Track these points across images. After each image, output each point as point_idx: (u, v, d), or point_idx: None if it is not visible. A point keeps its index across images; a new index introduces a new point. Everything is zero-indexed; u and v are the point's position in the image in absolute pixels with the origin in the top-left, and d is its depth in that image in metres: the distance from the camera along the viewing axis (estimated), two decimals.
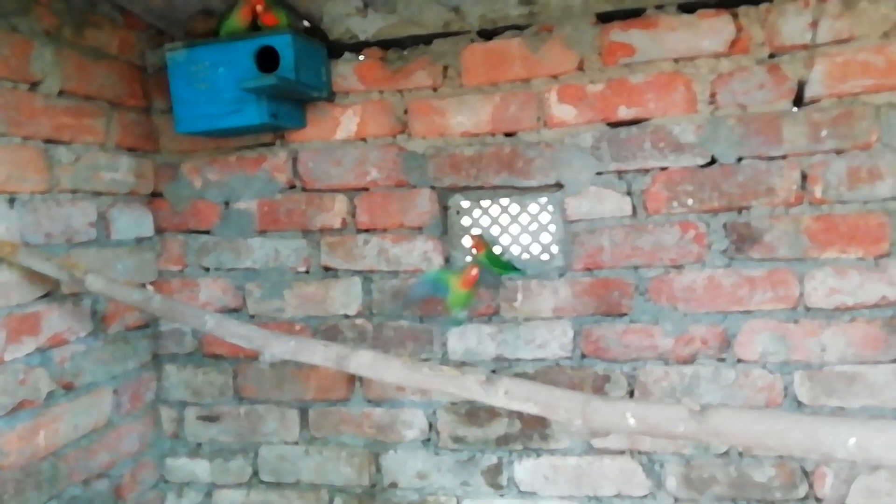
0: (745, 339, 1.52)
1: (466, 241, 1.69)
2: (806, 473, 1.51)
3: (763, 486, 1.52)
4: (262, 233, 1.75)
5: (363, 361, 1.22)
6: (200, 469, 1.80)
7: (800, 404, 1.50)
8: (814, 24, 1.44)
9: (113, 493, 1.60)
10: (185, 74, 1.55)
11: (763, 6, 1.47)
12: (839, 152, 1.45)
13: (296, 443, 1.76)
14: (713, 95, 1.51)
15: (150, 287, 1.35)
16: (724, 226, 1.52)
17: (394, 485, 1.72)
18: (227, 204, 1.76)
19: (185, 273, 1.79)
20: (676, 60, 1.52)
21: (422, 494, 1.70)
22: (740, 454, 1.54)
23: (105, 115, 1.58)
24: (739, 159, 1.50)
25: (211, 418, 1.80)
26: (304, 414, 1.76)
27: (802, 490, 1.51)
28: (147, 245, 1.75)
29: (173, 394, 1.81)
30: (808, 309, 1.49)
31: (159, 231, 1.79)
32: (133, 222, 1.69)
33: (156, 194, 1.79)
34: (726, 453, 1.54)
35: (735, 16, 1.48)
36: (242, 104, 1.52)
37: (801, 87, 1.47)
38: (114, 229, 1.61)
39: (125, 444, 1.64)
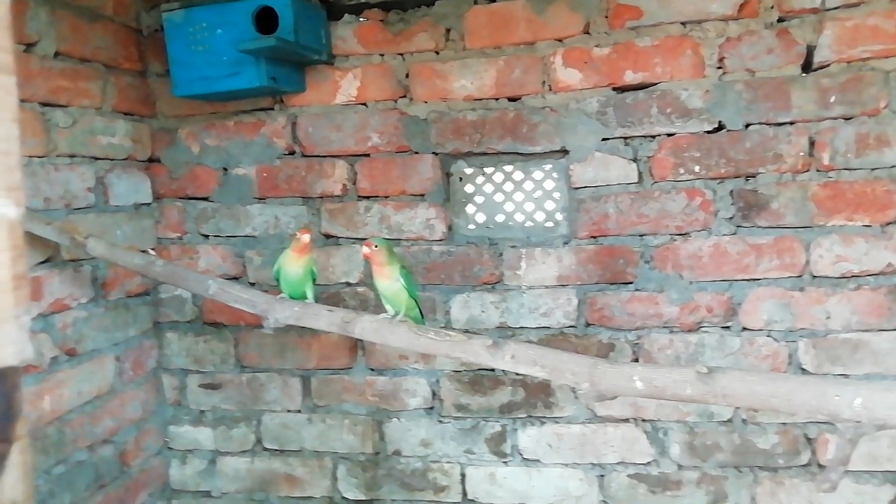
0: (750, 306, 1.54)
1: (470, 209, 1.70)
2: (809, 440, 1.55)
3: (766, 452, 1.56)
4: (262, 199, 1.76)
5: (368, 326, 1.24)
6: (204, 436, 1.84)
7: (804, 372, 1.53)
8: None
9: (118, 458, 1.63)
10: (183, 36, 1.54)
11: None
12: (847, 118, 1.46)
13: (298, 411, 1.79)
14: (721, 60, 1.51)
15: (152, 252, 1.35)
16: (731, 193, 1.53)
17: (397, 452, 1.75)
18: (225, 170, 1.77)
19: (185, 240, 1.80)
20: (684, 24, 1.52)
21: (425, 462, 1.74)
22: (744, 421, 1.57)
23: (101, 77, 1.58)
24: (747, 125, 1.51)
25: (213, 386, 1.82)
26: (306, 382, 1.79)
27: (805, 456, 1.55)
28: (145, 211, 1.75)
29: (175, 361, 1.83)
30: (813, 276, 1.51)
31: (157, 197, 1.80)
32: (131, 188, 1.69)
33: (153, 160, 1.79)
34: (730, 420, 1.58)
35: None
36: (241, 67, 1.52)
37: (809, 51, 1.47)
38: (112, 195, 1.62)
39: (128, 411, 1.67)
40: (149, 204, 1.77)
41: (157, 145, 1.78)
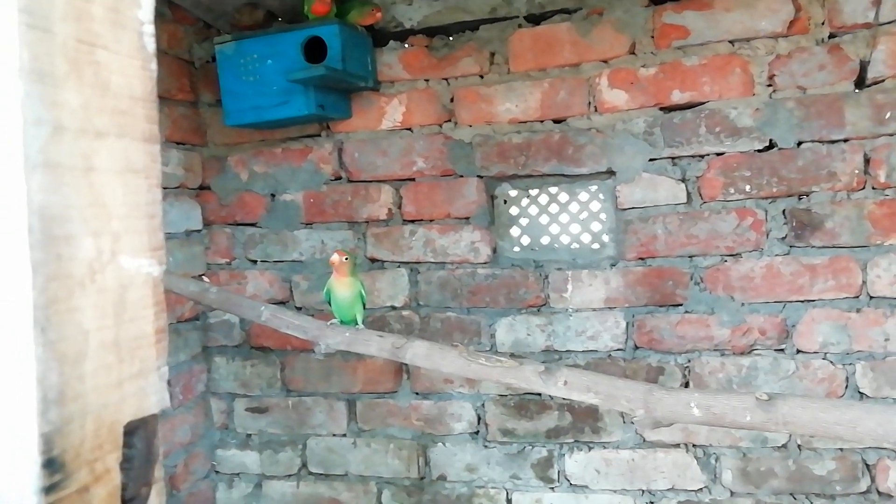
0: (805, 328, 1.52)
1: (515, 232, 1.72)
2: (868, 466, 1.51)
3: (823, 479, 1.53)
4: (309, 225, 1.79)
5: (419, 352, 1.25)
6: (250, 460, 1.87)
7: (862, 396, 1.50)
8: (877, 2, 1.44)
9: (168, 482, 1.67)
10: (234, 67, 1.60)
11: None
12: None
13: (344, 435, 1.81)
14: (771, 77, 1.51)
15: (206, 279, 1.40)
16: (784, 212, 1.52)
17: (442, 477, 1.76)
18: (273, 196, 1.81)
19: (233, 265, 1.85)
20: (732, 42, 1.52)
21: (471, 487, 1.74)
22: (799, 447, 1.54)
23: None
24: (799, 143, 1.50)
25: (259, 410, 1.86)
26: (351, 406, 1.81)
27: (864, 483, 1.51)
28: (196, 238, 1.81)
29: (223, 385, 1.87)
30: (871, 297, 1.49)
31: (207, 224, 1.85)
32: (183, 215, 1.75)
33: (203, 187, 1.84)
34: (784, 446, 1.55)
35: None
36: (290, 95, 1.57)
37: (863, 67, 1.46)
38: (165, 222, 1.67)
39: (178, 435, 1.71)
40: (199, 230, 1.82)
41: (207, 173, 1.84)
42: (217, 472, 1.89)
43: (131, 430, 0.28)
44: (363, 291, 1.33)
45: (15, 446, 0.23)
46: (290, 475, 1.85)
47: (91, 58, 0.26)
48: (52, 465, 0.24)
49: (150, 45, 0.29)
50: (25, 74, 0.23)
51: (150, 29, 0.29)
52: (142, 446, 0.28)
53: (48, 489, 0.24)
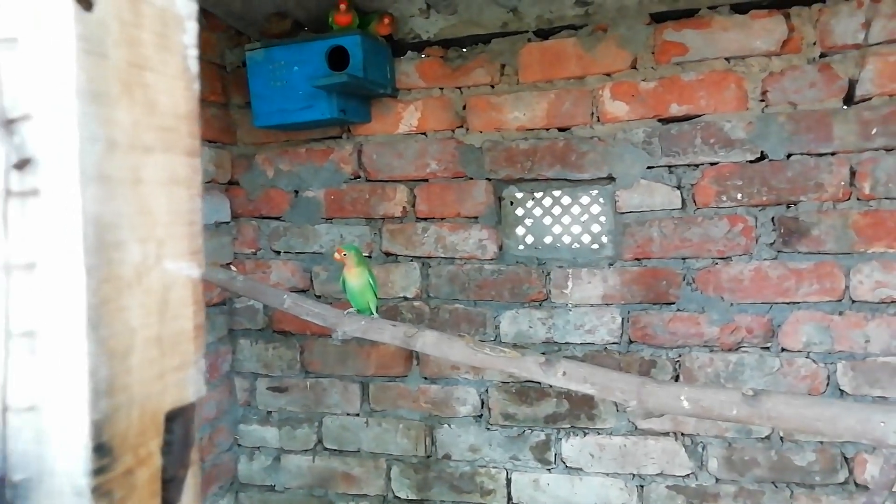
0: (789, 329, 1.52)
1: (520, 231, 1.72)
2: (846, 459, 1.51)
3: (803, 469, 1.53)
4: (329, 220, 1.80)
5: (428, 341, 1.26)
6: (270, 435, 1.88)
7: (842, 393, 1.49)
8: (867, 25, 1.42)
9: None
10: (263, 73, 1.60)
11: (815, 7, 1.45)
12: (889, 150, 1.44)
13: (357, 414, 1.83)
14: (764, 93, 1.50)
15: (233, 268, 1.41)
16: (773, 219, 1.51)
17: (447, 457, 1.77)
18: (296, 192, 1.82)
19: (258, 255, 1.86)
20: (728, 59, 1.51)
21: (473, 467, 1.75)
22: (781, 438, 1.54)
23: None
24: (789, 155, 1.49)
25: (280, 389, 1.87)
26: (364, 388, 1.82)
27: (842, 475, 1.51)
28: (224, 229, 1.82)
29: (246, 366, 1.89)
30: (853, 301, 1.48)
31: (235, 216, 1.86)
32: (213, 208, 1.76)
33: (232, 182, 1.86)
34: (767, 437, 1.55)
35: (787, 16, 1.47)
36: (314, 100, 1.57)
37: (851, 85, 1.45)
38: None
39: (205, 411, 1.73)
40: (228, 222, 1.84)
41: (236, 170, 1.85)
42: (239, 445, 1.91)
43: (171, 418, 0.28)
44: (372, 281, 1.33)
45: (68, 432, 0.24)
46: (306, 450, 1.87)
47: (141, 80, 0.26)
48: (101, 449, 0.25)
49: (194, 67, 0.29)
50: (82, 95, 0.23)
51: (193, 52, 0.30)
52: (181, 432, 0.28)
53: (97, 471, 0.24)
